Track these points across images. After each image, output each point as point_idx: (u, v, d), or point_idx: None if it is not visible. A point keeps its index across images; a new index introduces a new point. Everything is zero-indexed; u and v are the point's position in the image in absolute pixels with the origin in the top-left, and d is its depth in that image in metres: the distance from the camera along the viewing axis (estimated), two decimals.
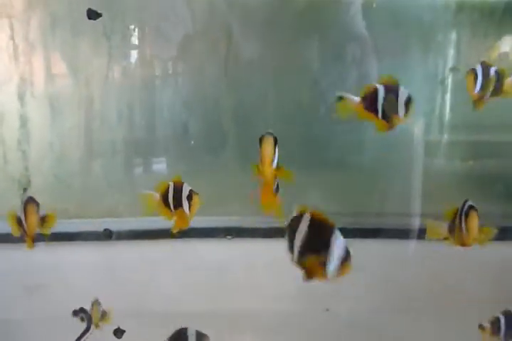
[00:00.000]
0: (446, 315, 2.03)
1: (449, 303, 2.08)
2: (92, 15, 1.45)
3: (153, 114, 2.49)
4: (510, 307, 1.89)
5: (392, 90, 1.37)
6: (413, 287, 2.13)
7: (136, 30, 2.39)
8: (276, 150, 1.36)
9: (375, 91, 1.38)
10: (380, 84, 1.38)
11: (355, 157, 2.52)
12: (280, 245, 2.30)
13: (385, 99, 1.37)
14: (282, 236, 2.31)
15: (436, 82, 2.44)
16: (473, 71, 1.53)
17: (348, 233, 2.33)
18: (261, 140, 1.36)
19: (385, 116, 1.39)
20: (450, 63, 2.41)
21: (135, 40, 2.43)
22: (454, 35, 2.43)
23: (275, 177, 1.40)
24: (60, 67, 2.36)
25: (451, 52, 2.42)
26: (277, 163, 1.37)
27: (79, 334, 1.62)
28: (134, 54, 2.42)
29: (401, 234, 2.30)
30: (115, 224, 2.20)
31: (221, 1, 2.38)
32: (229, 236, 2.27)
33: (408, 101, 1.37)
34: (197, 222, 1.47)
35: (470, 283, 2.10)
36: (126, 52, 2.40)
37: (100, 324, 1.63)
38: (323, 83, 2.46)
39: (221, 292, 2.06)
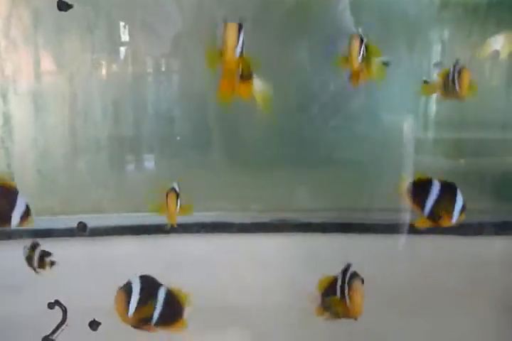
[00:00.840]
0: (434, 311, 2.03)
1: (437, 299, 2.09)
2: (63, 6, 1.43)
3: (139, 110, 2.48)
4: (500, 300, 1.91)
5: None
6: (402, 283, 2.13)
7: (122, 26, 2.38)
8: (241, 37, 1.29)
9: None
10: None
11: (343, 154, 2.52)
12: (265, 240, 2.30)
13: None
14: (265, 231, 2.33)
15: (421, 78, 2.44)
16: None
17: (337, 228, 2.36)
18: (225, 26, 1.27)
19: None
20: (434, 59, 2.42)
21: (121, 36, 2.41)
22: (438, 32, 2.43)
23: (238, 67, 1.34)
24: (43, 64, 2.35)
25: (436, 48, 2.43)
26: (241, 51, 1.31)
27: (54, 327, 1.62)
28: (120, 50, 2.40)
29: (388, 229, 2.30)
30: (98, 220, 2.20)
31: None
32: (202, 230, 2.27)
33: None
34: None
35: (457, 277, 2.11)
36: (111, 48, 2.39)
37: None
38: (312, 81, 2.47)
39: (207, 287, 2.05)
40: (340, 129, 2.48)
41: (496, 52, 2.24)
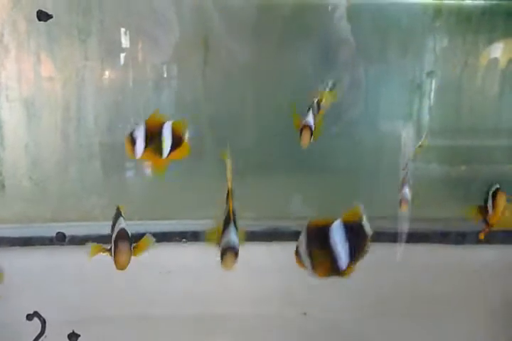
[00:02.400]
0: (426, 320, 2.03)
1: (430, 307, 2.09)
2: (43, 16, 1.43)
3: (132, 117, 2.47)
4: (491, 309, 1.91)
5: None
6: (393, 291, 2.13)
7: (115, 32, 2.38)
8: None
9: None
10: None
11: (338, 161, 2.52)
12: (257, 248, 2.29)
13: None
14: (258, 239, 2.32)
15: (414, 86, 2.45)
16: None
17: None
18: None
19: None
20: (427, 68, 2.43)
21: (114, 43, 2.41)
22: (431, 40, 2.44)
23: None
24: (35, 70, 2.34)
25: (428, 56, 2.44)
26: None
27: (33, 338, 1.60)
28: (112, 57, 2.40)
29: (381, 237, 2.30)
30: (90, 228, 2.19)
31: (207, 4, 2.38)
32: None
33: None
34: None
35: (451, 286, 2.10)
36: (104, 55, 2.38)
37: None
38: (307, 87, 2.46)
39: (198, 295, 2.05)
40: (335, 137, 2.48)
41: (495, 60, 2.24)
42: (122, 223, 1.41)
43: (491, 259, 2.14)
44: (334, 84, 1.81)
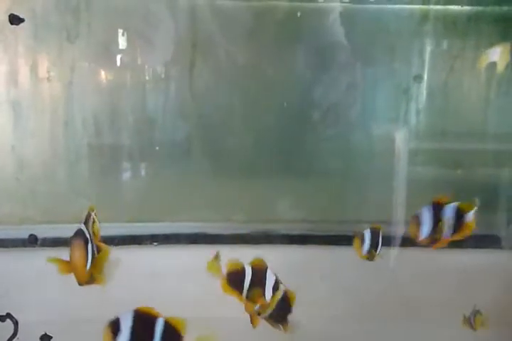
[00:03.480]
0: (409, 323, 2.04)
1: (412, 311, 2.10)
2: (15, 20, 1.42)
3: (120, 119, 2.46)
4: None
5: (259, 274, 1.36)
6: (376, 295, 2.14)
7: (102, 34, 2.37)
8: None
9: (242, 272, 1.40)
10: (249, 265, 1.40)
11: (326, 165, 2.53)
12: (244, 251, 2.29)
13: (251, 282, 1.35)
14: (245, 242, 2.32)
15: (401, 90, 2.47)
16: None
17: (318, 240, 2.36)
18: None
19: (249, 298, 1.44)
20: (414, 72, 2.45)
21: (103, 45, 2.40)
22: (418, 44, 2.46)
23: None
24: (22, 72, 2.32)
25: (415, 60, 2.46)
26: None
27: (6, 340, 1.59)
28: (100, 59, 2.39)
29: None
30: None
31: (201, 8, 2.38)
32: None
33: (275, 286, 1.37)
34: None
35: (434, 290, 2.12)
36: (92, 56, 2.37)
37: None
38: (301, 91, 2.48)
39: (185, 298, 2.04)
40: (323, 140, 2.50)
41: (493, 64, 2.26)
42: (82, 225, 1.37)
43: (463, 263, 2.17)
44: None
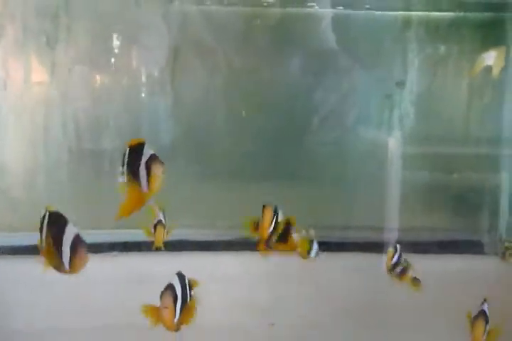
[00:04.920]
0: (390, 327, 2.04)
1: (392, 314, 2.10)
2: None
3: (102, 124, 2.44)
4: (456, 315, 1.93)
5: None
6: (361, 301, 2.14)
7: (80, 38, 2.35)
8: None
9: None
10: None
11: (313, 171, 2.53)
12: (229, 258, 2.28)
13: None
14: (229, 249, 2.30)
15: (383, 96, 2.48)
16: None
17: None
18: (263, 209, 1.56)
19: None
20: (397, 77, 2.45)
21: (83, 49, 2.38)
22: (401, 50, 2.47)
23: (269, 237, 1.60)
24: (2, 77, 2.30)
25: (398, 66, 2.47)
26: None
27: None
28: (79, 64, 2.37)
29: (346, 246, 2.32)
30: None
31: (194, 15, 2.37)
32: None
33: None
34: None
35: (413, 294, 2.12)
36: (72, 61, 2.35)
37: None
38: (295, 96, 2.48)
39: None
40: (312, 146, 2.49)
41: (489, 68, 2.26)
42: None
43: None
44: None
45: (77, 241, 1.20)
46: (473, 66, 2.35)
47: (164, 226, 1.68)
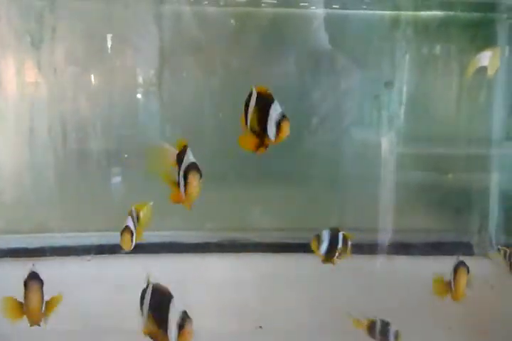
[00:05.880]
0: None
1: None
2: None
3: (88, 127, 2.42)
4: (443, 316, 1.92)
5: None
6: (348, 304, 2.12)
7: (65, 41, 2.33)
8: None
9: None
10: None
11: (299, 173, 2.51)
12: (215, 260, 2.26)
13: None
14: (215, 251, 2.29)
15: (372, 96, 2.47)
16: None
17: (289, 248, 2.34)
18: None
19: None
20: (385, 78, 2.44)
21: (68, 51, 2.37)
22: (389, 50, 2.46)
23: None
24: None
25: (386, 67, 2.46)
26: None
27: None
28: (67, 65, 2.35)
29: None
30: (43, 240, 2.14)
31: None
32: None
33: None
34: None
35: (399, 295, 2.11)
36: (57, 64, 2.33)
37: None
38: (285, 96, 2.46)
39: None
40: (298, 148, 2.48)
41: (483, 69, 2.24)
42: None
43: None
44: None
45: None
46: (467, 66, 2.34)
47: (131, 232, 1.60)
